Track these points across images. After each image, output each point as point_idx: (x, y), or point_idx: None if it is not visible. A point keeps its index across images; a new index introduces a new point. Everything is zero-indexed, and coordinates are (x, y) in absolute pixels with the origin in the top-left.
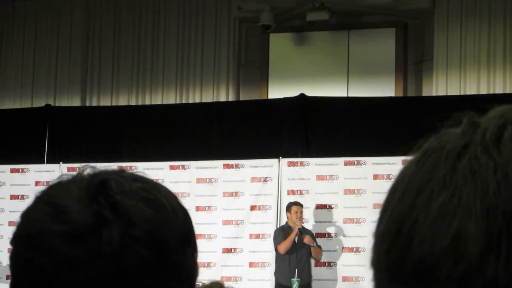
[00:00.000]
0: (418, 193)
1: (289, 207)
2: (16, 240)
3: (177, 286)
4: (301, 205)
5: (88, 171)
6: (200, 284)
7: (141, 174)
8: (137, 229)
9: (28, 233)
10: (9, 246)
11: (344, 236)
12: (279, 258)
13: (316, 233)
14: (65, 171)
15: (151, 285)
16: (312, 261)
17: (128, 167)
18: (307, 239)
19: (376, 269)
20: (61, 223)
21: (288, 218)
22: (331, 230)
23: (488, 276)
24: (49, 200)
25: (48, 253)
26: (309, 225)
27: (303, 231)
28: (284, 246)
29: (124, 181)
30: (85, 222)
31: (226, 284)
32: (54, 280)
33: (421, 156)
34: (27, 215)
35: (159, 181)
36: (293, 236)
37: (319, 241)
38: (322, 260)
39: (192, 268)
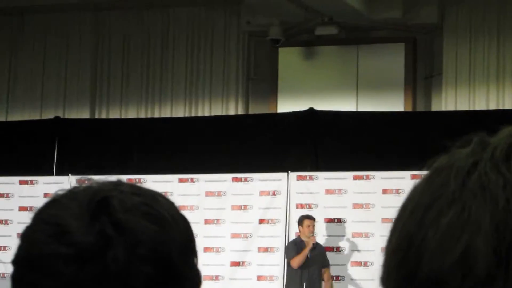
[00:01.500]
0: (427, 209)
1: (301, 220)
2: (18, 262)
3: None
4: (313, 219)
5: (84, 185)
6: None
7: (138, 185)
8: (142, 247)
9: (31, 255)
10: None
11: (353, 250)
12: (291, 272)
13: (325, 247)
14: (74, 183)
15: None
16: None
17: (137, 180)
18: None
19: (385, 285)
20: (65, 245)
21: (300, 231)
22: (340, 244)
23: None
24: (50, 220)
25: (52, 276)
26: (319, 238)
27: (316, 246)
28: (297, 261)
29: (124, 197)
30: (89, 243)
31: None
32: None
33: (431, 174)
34: (28, 236)
35: (168, 194)
36: (307, 252)
37: (328, 255)
38: (331, 274)
39: (196, 276)
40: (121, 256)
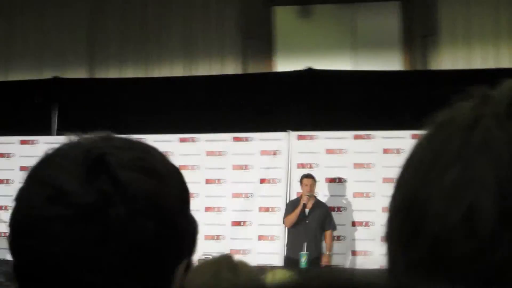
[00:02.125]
0: (431, 167)
1: (301, 179)
2: (15, 227)
3: (185, 249)
4: (312, 178)
5: (74, 142)
6: (210, 257)
7: (128, 138)
8: (142, 202)
9: (28, 219)
10: None
11: (353, 210)
12: (291, 232)
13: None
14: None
15: (162, 255)
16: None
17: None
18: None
19: (389, 243)
20: (64, 206)
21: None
22: (341, 203)
23: (501, 253)
24: (45, 181)
25: (52, 239)
26: (320, 198)
27: (317, 205)
28: (288, 220)
29: (119, 152)
30: (89, 203)
31: (236, 257)
32: (64, 265)
33: (433, 130)
34: (24, 199)
35: (169, 154)
36: (298, 211)
37: None
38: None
39: (192, 225)
40: (123, 213)
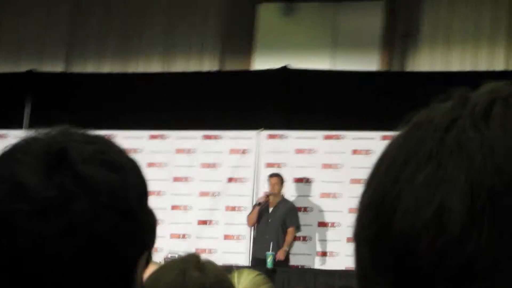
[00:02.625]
0: (403, 165)
1: (268, 178)
2: None
3: (146, 240)
4: (277, 176)
5: (33, 137)
6: (176, 256)
7: (87, 132)
8: (105, 196)
9: None
10: None
11: (320, 211)
12: (256, 231)
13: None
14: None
15: (126, 248)
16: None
17: (107, 136)
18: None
19: (358, 241)
20: (25, 201)
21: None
22: (308, 204)
23: (469, 251)
24: (5, 176)
25: (15, 233)
26: (287, 198)
27: (282, 203)
28: (249, 219)
29: (80, 146)
30: (50, 198)
31: (202, 256)
32: (26, 260)
33: (409, 129)
34: None
35: (137, 151)
36: (256, 210)
37: None
38: (298, 235)
39: (151, 217)
40: (85, 207)
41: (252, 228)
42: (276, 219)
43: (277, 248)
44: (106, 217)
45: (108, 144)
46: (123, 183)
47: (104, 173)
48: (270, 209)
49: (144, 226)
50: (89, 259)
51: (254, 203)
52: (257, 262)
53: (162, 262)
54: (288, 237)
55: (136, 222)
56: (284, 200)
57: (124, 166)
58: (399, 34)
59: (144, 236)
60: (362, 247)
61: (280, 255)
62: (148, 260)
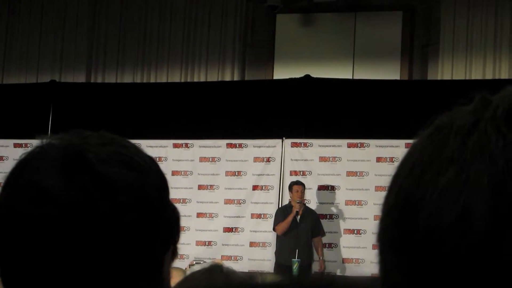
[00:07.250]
0: (426, 168)
1: (290, 186)
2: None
3: (169, 236)
4: (302, 184)
5: (48, 143)
6: (201, 263)
7: (102, 134)
8: (124, 195)
9: (13, 223)
10: None
11: (345, 218)
12: (280, 238)
13: (318, 214)
14: None
15: (148, 245)
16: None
17: None
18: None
19: (381, 244)
20: (48, 207)
21: (290, 197)
22: (333, 211)
23: (494, 253)
24: (25, 184)
25: (39, 240)
26: (311, 206)
27: (307, 212)
28: (280, 227)
29: (95, 149)
30: (73, 201)
31: (226, 265)
32: (51, 262)
33: (431, 132)
34: (5, 204)
35: (162, 159)
36: (290, 218)
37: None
38: (324, 242)
39: (174, 212)
40: (106, 208)
41: (276, 235)
42: (305, 227)
43: (306, 256)
44: (129, 216)
45: (124, 144)
46: (142, 181)
47: (123, 172)
48: (298, 218)
49: (167, 222)
50: (115, 258)
51: (276, 212)
52: (282, 269)
53: (188, 269)
54: (320, 247)
55: (158, 219)
56: (307, 208)
57: (142, 164)
58: (418, 44)
59: (167, 232)
60: (385, 250)
61: (321, 266)
62: (174, 254)
